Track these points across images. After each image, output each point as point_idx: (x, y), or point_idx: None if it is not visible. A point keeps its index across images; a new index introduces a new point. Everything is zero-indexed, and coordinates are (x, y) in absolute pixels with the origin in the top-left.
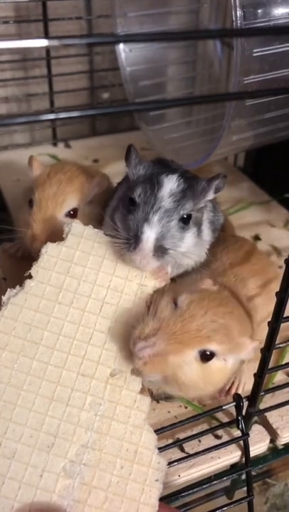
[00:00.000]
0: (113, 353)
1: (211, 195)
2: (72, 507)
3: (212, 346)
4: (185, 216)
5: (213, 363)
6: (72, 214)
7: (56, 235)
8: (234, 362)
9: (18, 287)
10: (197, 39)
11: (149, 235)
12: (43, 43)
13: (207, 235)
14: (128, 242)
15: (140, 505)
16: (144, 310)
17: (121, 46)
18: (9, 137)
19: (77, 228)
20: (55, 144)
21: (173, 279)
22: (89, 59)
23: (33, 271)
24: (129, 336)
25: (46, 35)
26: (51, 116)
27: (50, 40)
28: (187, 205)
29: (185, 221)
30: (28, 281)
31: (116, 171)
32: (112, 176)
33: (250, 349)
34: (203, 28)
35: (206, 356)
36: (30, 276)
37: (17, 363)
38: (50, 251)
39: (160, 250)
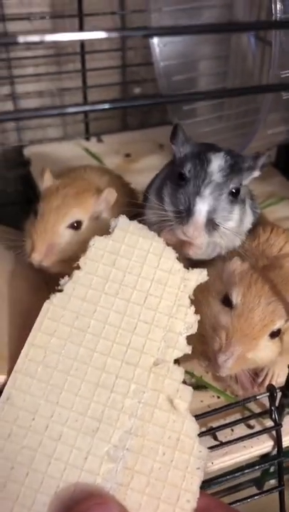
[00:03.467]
0: (156, 343)
1: (256, 172)
2: (116, 490)
3: (277, 325)
4: (234, 190)
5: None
6: (76, 226)
7: (56, 246)
8: None
9: (66, 277)
10: (234, 32)
11: (202, 207)
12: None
13: (249, 214)
14: (179, 215)
15: (181, 491)
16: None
17: (155, 41)
18: (43, 131)
19: (123, 223)
20: (87, 139)
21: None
22: (121, 54)
23: (81, 262)
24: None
25: (81, 30)
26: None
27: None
28: (236, 179)
29: (234, 195)
30: (76, 272)
31: (147, 165)
32: (143, 170)
33: None
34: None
35: (275, 334)
36: (78, 267)
37: (64, 348)
38: (97, 244)
39: (211, 225)
